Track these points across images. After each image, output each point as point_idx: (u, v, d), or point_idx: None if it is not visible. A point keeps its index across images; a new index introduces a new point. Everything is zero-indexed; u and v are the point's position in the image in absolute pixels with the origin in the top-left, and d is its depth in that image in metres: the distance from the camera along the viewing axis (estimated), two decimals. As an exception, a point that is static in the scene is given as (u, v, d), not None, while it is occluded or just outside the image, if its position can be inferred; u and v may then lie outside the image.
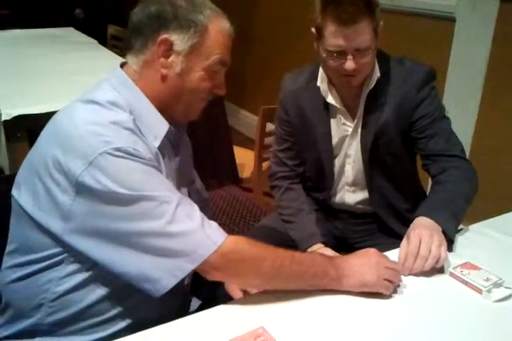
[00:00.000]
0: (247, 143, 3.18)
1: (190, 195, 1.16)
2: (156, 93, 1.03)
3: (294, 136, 1.54)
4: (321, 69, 1.42)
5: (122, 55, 1.15)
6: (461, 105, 2.33)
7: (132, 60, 1.04)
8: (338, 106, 1.43)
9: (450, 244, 1.19)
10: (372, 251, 1.09)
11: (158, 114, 1.03)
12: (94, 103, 0.96)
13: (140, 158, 0.92)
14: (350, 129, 1.45)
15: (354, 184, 1.53)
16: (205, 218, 0.96)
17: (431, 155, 1.40)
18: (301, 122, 1.49)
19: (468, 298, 1.04)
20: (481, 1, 2.18)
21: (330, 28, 1.24)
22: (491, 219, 1.37)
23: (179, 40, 0.99)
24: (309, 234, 1.50)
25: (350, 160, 1.50)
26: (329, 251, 1.45)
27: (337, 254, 1.44)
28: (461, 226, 1.30)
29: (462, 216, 1.28)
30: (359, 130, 1.44)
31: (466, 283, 1.08)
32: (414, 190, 1.56)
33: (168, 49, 0.99)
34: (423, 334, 0.94)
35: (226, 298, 1.18)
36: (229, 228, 1.86)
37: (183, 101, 1.05)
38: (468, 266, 1.12)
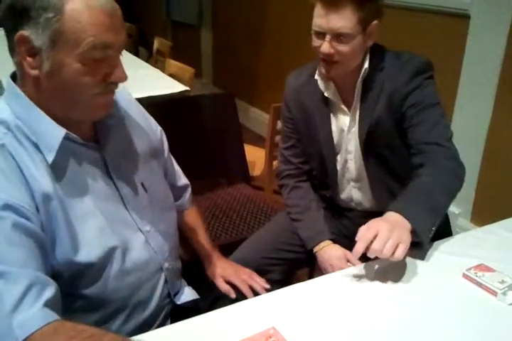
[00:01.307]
0: (257, 141, 3.17)
1: (145, 188, 1.09)
2: (40, 98, 0.91)
3: (297, 133, 1.54)
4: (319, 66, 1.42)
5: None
6: (476, 103, 2.30)
7: (14, 65, 0.93)
8: (335, 100, 1.43)
9: (420, 246, 1.14)
10: None
11: (51, 122, 0.91)
12: None
13: None
14: (347, 124, 1.45)
15: (358, 180, 1.52)
16: (28, 299, 0.80)
17: (415, 144, 1.35)
18: (303, 118, 1.49)
19: (483, 300, 1.03)
20: (496, -2, 2.16)
21: (316, 8, 1.28)
22: (506, 220, 1.35)
23: (35, 34, 0.84)
24: (317, 232, 1.49)
25: (351, 156, 1.49)
26: (338, 248, 1.44)
27: (346, 252, 1.43)
28: (475, 227, 1.28)
29: (441, 211, 1.21)
30: (356, 124, 1.43)
31: (480, 284, 1.06)
32: None
33: (30, 46, 0.86)
34: (436, 336, 0.93)
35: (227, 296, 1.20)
36: (239, 227, 1.86)
37: (73, 101, 0.91)
38: (482, 267, 1.10)
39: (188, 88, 2.60)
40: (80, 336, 0.80)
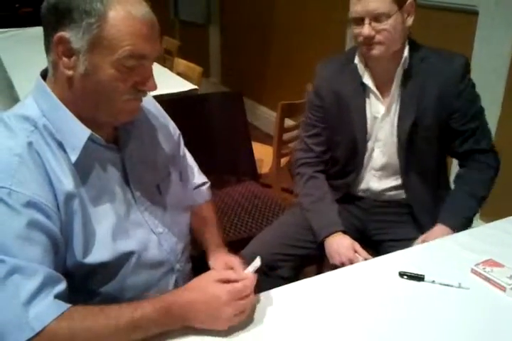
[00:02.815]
0: (264, 138, 3.18)
1: (160, 191, 1.11)
2: (69, 98, 0.93)
3: (325, 121, 1.56)
4: (359, 52, 1.45)
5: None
6: (484, 100, 2.28)
7: (47, 63, 0.94)
8: (372, 87, 1.46)
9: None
10: (211, 281, 0.94)
11: (77, 122, 0.93)
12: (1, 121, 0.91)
13: (4, 202, 0.83)
14: (382, 112, 1.47)
15: (381, 169, 1.54)
16: (42, 293, 0.82)
17: (465, 151, 1.47)
18: (336, 105, 1.52)
19: (492, 296, 1.03)
20: (504, -6, 2.15)
21: None
22: (514, 216, 1.35)
23: (75, 37, 0.86)
24: (331, 223, 1.50)
25: (379, 144, 1.51)
26: (347, 238, 1.46)
27: (355, 243, 1.45)
28: (484, 223, 1.29)
29: (473, 217, 1.46)
30: (391, 114, 1.46)
31: (488, 280, 1.06)
32: (441, 179, 1.57)
33: (68, 48, 0.87)
34: (445, 331, 0.93)
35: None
36: (247, 224, 1.86)
37: (102, 104, 0.93)
38: (491, 262, 1.10)
39: (196, 87, 2.61)
40: (91, 312, 0.85)
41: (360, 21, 1.33)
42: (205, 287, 0.92)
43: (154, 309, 0.88)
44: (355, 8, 1.32)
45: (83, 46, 0.87)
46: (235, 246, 1.44)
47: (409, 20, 1.37)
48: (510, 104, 2.22)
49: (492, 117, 2.26)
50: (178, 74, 3.01)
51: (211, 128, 2.15)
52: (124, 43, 0.87)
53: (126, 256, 0.99)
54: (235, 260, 1.10)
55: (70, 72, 0.89)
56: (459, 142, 1.47)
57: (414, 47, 1.41)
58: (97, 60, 0.88)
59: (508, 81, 2.21)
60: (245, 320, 0.93)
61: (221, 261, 1.15)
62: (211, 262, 1.21)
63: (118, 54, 0.87)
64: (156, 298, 0.91)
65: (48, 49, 0.91)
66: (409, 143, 1.46)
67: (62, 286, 0.86)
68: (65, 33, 0.86)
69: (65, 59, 0.89)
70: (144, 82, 0.93)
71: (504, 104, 2.24)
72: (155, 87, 0.95)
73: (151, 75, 0.94)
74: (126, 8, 0.87)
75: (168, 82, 2.67)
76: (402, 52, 1.39)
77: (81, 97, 0.92)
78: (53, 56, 0.90)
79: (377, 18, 1.31)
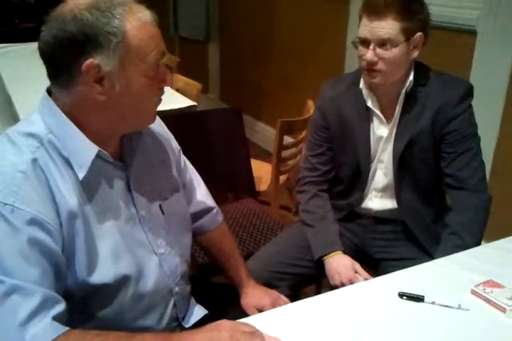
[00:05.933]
0: (263, 155, 3.18)
1: (163, 210, 1.10)
2: (100, 122, 0.94)
3: (330, 141, 1.57)
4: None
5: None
6: (483, 120, 2.29)
7: (61, 94, 0.92)
8: (376, 111, 1.46)
9: None
10: (224, 323, 0.89)
11: (84, 139, 0.93)
12: (5, 137, 0.91)
13: (6, 220, 0.82)
14: (385, 135, 1.48)
15: (383, 190, 1.54)
16: (40, 314, 0.81)
17: (453, 173, 1.43)
18: (341, 127, 1.52)
19: (492, 317, 1.02)
20: (502, 14, 2.17)
21: (362, 19, 1.34)
22: (514, 236, 1.34)
23: (105, 59, 0.87)
24: (331, 242, 1.51)
25: (382, 166, 1.52)
26: (347, 258, 1.46)
27: (355, 262, 1.45)
28: (484, 243, 1.28)
29: None
30: (393, 136, 1.47)
31: (488, 301, 1.05)
32: (439, 200, 1.57)
33: (98, 72, 0.87)
34: (445, 354, 0.92)
35: (237, 313, 1.17)
36: (245, 242, 1.85)
37: (135, 114, 0.95)
38: (491, 283, 1.09)
39: (195, 103, 2.61)
40: (88, 337, 0.83)
41: (366, 43, 1.33)
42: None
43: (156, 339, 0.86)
44: (364, 31, 1.32)
45: (115, 66, 0.88)
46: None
47: (415, 53, 1.37)
48: (508, 124, 2.23)
49: (491, 136, 2.28)
50: (177, 90, 3.02)
51: (210, 145, 2.15)
52: (149, 48, 0.90)
53: (126, 275, 0.98)
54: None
55: (103, 97, 0.90)
56: (444, 164, 1.44)
57: (420, 71, 1.42)
58: (129, 74, 0.90)
59: (507, 100, 2.22)
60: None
61: (267, 298, 1.22)
62: (244, 300, 1.24)
63: (148, 60, 0.90)
64: (158, 332, 0.89)
65: (68, 83, 0.89)
66: (403, 163, 1.46)
67: (60, 308, 0.84)
68: (92, 60, 0.86)
69: (96, 86, 0.88)
70: (164, 78, 0.96)
71: (503, 122, 2.25)
72: (172, 81, 0.99)
73: (166, 70, 0.96)
74: (137, 17, 0.89)
75: (167, 98, 2.64)
76: (406, 77, 1.40)
77: (113, 115, 0.93)
78: (79, 87, 0.89)
79: (383, 44, 1.31)
